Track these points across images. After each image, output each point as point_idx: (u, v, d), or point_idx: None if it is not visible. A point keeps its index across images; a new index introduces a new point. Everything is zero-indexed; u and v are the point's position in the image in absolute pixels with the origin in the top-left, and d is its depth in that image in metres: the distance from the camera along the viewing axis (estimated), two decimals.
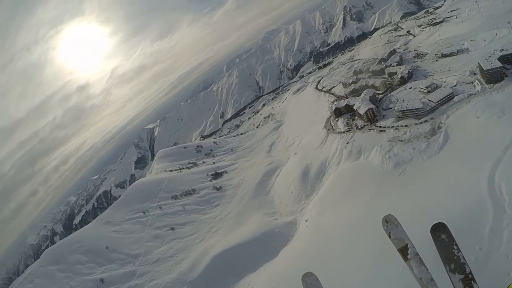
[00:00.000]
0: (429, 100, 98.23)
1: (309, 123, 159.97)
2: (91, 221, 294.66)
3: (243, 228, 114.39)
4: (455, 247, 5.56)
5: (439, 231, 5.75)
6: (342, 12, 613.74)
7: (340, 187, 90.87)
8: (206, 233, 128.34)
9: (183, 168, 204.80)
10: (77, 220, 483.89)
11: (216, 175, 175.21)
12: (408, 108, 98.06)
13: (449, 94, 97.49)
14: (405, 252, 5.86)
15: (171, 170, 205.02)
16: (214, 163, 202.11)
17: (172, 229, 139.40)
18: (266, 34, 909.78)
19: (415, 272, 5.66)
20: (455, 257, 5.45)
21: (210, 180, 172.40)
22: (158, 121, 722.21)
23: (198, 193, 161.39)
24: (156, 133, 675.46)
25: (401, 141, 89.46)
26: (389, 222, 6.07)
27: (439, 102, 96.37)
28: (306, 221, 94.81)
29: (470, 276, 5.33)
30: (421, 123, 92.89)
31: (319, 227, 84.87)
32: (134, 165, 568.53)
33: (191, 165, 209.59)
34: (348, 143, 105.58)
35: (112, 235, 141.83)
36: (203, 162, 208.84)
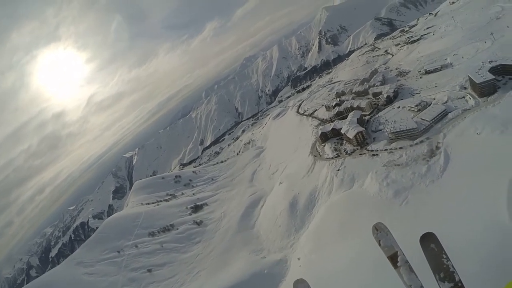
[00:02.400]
0: (422, 119, 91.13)
1: (293, 149, 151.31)
2: (68, 254, 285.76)
3: (228, 270, 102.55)
4: (444, 256, 5.47)
5: (428, 240, 5.62)
6: (318, 37, 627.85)
7: (334, 221, 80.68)
8: (187, 275, 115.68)
9: (160, 201, 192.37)
10: (53, 253, 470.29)
11: (196, 208, 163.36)
12: (401, 129, 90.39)
13: (442, 111, 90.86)
14: (395, 260, 5.81)
15: (148, 203, 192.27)
16: (193, 194, 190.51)
17: (150, 271, 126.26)
18: (244, 60, 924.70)
19: (405, 280, 5.64)
20: (445, 266, 5.37)
21: (190, 214, 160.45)
22: (137, 149, 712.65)
23: (177, 229, 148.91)
24: (134, 161, 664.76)
25: (398, 165, 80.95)
26: (379, 229, 6.02)
27: (433, 120, 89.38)
28: (299, 259, 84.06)
29: (459, 284, 5.30)
30: (416, 144, 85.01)
31: (314, 267, 74.10)
32: (112, 195, 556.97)
33: (169, 197, 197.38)
34: (338, 170, 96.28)
35: (84, 279, 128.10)
36: (182, 194, 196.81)
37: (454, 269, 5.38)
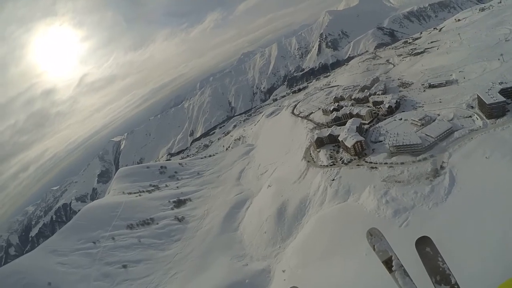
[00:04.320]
0: (426, 134, 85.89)
1: (284, 151, 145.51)
2: (48, 235, 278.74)
3: (207, 275, 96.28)
4: (440, 259, 5.51)
5: (423, 244, 5.67)
6: (318, 39, 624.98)
7: (325, 235, 74.62)
8: (163, 275, 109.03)
9: (143, 191, 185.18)
10: (33, 232, 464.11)
11: (179, 203, 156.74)
12: (404, 143, 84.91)
13: (448, 129, 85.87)
14: (390, 264, 5.86)
15: (130, 193, 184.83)
16: (177, 187, 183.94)
17: (125, 266, 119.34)
18: (241, 55, 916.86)
19: (400, 284, 5.67)
20: (441, 269, 5.41)
21: (172, 208, 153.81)
22: (126, 134, 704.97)
23: (157, 224, 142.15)
24: (122, 146, 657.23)
25: (399, 182, 75.39)
26: (373, 235, 6.11)
27: (438, 137, 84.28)
28: (283, 271, 78.17)
29: (456, 287, 5.32)
30: (419, 161, 79.67)
31: (300, 284, 68.43)
32: (97, 179, 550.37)
33: (153, 188, 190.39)
34: (333, 180, 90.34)
35: (57, 269, 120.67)
36: (166, 186, 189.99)
37: (450, 271, 5.35)
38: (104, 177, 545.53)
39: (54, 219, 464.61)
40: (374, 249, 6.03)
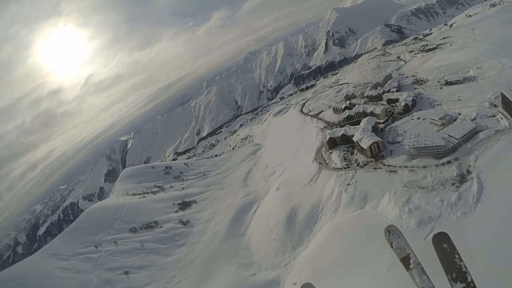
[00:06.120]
0: (449, 135, 79.22)
1: (293, 151, 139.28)
2: (55, 233, 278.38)
3: (212, 284, 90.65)
4: (457, 256, 5.40)
5: (440, 240, 5.53)
6: (325, 37, 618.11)
7: (340, 245, 67.98)
8: (166, 283, 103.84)
9: (147, 192, 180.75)
10: (41, 231, 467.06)
11: (184, 205, 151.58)
12: (426, 145, 78.19)
13: (473, 129, 79.23)
14: (407, 262, 5.83)
15: (134, 194, 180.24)
16: (182, 188, 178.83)
17: (126, 273, 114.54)
18: (248, 54, 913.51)
19: (417, 282, 5.63)
20: (457, 266, 5.32)
21: (176, 211, 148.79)
22: (132, 133, 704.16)
23: (161, 227, 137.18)
24: (129, 145, 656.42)
25: (422, 188, 68.71)
26: (391, 232, 6.07)
27: (462, 138, 77.69)
28: (294, 284, 72.16)
29: (472, 285, 5.23)
30: (443, 164, 73.10)
31: None
32: (104, 178, 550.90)
33: (157, 189, 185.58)
34: (348, 184, 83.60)
35: (57, 274, 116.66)
36: (171, 187, 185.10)
37: (467, 269, 5.27)
38: (111, 176, 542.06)
39: (61, 217, 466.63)
40: (392, 247, 5.86)
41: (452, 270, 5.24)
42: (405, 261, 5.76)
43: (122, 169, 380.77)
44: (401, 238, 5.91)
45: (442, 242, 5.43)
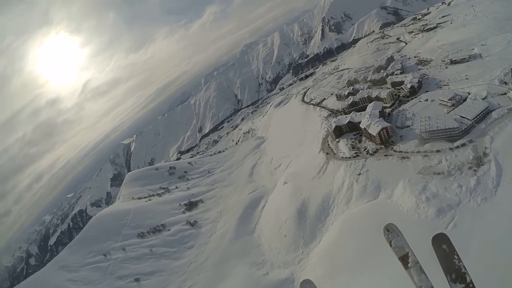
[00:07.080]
0: (461, 116, 75.66)
1: (298, 142, 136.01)
2: (66, 242, 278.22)
3: (224, 287, 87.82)
4: (456, 257, 5.36)
5: (440, 241, 5.45)
6: (321, 24, 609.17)
7: (355, 240, 64.93)
8: None
9: (153, 195, 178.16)
10: (52, 241, 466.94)
11: (190, 205, 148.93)
12: (438, 128, 74.62)
13: (485, 109, 75.63)
14: (406, 261, 5.73)
15: (140, 198, 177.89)
16: (188, 188, 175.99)
17: (137, 280, 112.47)
18: (244, 46, 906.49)
19: (416, 280, 5.59)
20: (456, 267, 5.28)
21: (183, 212, 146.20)
22: (135, 136, 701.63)
23: (169, 230, 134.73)
24: (132, 148, 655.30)
25: (438, 174, 65.37)
26: (390, 230, 5.96)
27: (475, 119, 74.11)
28: None
29: (471, 285, 5.22)
30: (457, 147, 69.68)
31: None
32: (110, 182, 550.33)
33: (162, 190, 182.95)
34: (359, 174, 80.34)
35: (68, 286, 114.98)
36: (176, 187, 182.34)
37: (466, 270, 5.28)
38: (117, 180, 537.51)
39: (71, 226, 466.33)
40: (390, 245, 5.71)
41: (452, 271, 5.14)
42: (404, 260, 5.56)
43: (128, 172, 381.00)
44: (400, 237, 5.70)
45: (441, 243, 5.26)
